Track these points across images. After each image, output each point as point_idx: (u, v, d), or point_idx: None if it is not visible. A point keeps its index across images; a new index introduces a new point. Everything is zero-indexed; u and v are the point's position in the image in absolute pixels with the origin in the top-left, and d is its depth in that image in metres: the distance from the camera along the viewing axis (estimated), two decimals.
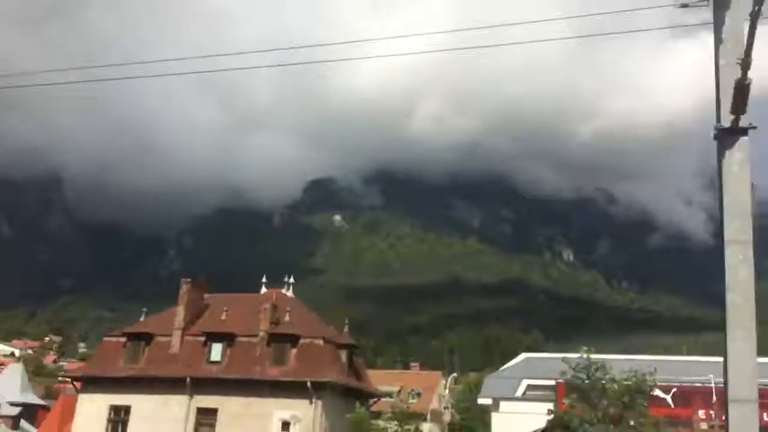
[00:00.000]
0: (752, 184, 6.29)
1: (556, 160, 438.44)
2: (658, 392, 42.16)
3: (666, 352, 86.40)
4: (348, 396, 33.99)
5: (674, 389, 42.47)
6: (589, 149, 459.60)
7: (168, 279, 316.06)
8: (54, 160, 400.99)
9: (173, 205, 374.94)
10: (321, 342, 33.85)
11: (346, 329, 37.47)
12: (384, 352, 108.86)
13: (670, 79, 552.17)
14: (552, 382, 39.35)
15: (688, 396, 39.79)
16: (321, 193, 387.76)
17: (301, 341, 33.80)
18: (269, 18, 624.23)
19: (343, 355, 35.02)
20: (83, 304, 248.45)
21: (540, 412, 30.18)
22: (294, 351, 33.59)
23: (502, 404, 43.59)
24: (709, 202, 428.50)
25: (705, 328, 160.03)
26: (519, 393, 48.17)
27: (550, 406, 30.40)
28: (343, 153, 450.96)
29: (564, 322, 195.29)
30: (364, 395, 35.83)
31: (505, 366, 57.13)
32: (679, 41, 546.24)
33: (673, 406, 42.31)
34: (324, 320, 40.47)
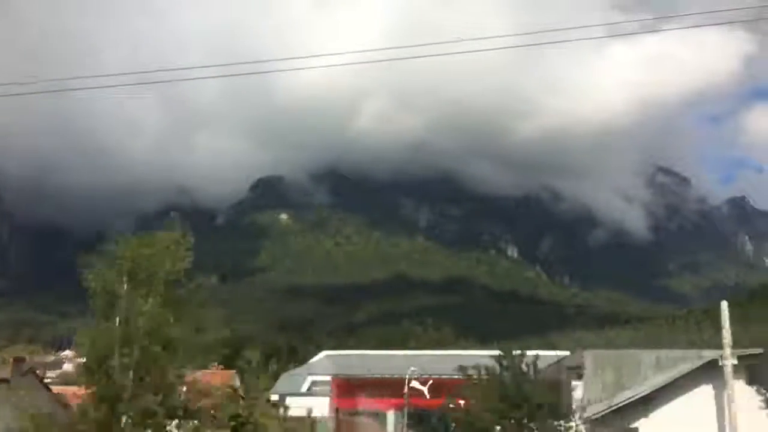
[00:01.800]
0: None
1: (501, 158, 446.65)
2: (415, 384, 46.12)
3: (581, 345, 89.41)
4: None
5: (430, 381, 46.24)
6: (532, 147, 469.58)
7: None
8: None
9: (116, 205, 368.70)
10: None
11: None
12: (298, 351, 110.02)
13: (607, 78, 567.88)
14: (328, 378, 42.98)
15: (439, 387, 43.44)
16: (268, 192, 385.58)
17: None
18: (212, 14, 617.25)
19: None
20: (16, 306, 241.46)
21: (321, 406, 32.93)
22: None
23: (288, 399, 46.73)
24: (648, 199, 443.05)
25: (635, 322, 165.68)
26: (304, 389, 52.17)
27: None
28: (290, 151, 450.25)
29: (501, 318, 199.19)
30: None
31: (309, 362, 60.01)
32: (615, 43, 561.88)
33: (428, 396, 46.04)
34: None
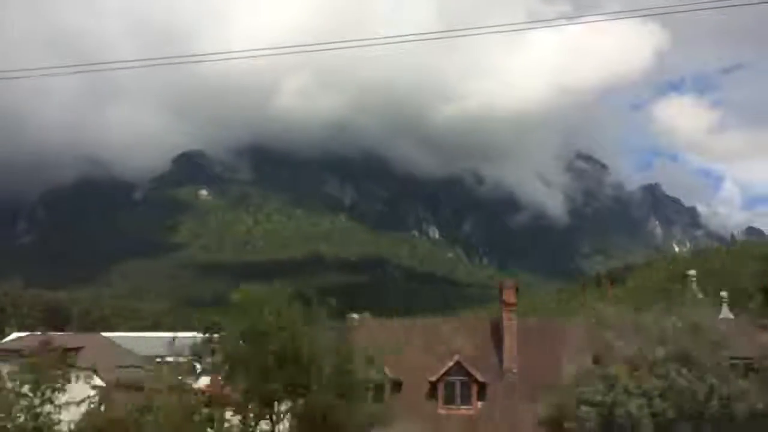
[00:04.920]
0: None
1: (424, 140, 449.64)
2: None
3: None
4: None
5: None
6: (455, 130, 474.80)
7: (17, 253, 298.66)
8: None
9: (25, 174, 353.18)
10: None
11: None
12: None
13: (528, 64, 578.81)
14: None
15: None
16: (190, 167, 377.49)
17: None
18: None
19: None
20: None
21: None
22: None
23: None
24: (567, 184, 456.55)
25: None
26: None
27: None
28: (212, 126, 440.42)
29: (410, 297, 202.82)
30: None
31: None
32: (536, 30, 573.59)
33: None
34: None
